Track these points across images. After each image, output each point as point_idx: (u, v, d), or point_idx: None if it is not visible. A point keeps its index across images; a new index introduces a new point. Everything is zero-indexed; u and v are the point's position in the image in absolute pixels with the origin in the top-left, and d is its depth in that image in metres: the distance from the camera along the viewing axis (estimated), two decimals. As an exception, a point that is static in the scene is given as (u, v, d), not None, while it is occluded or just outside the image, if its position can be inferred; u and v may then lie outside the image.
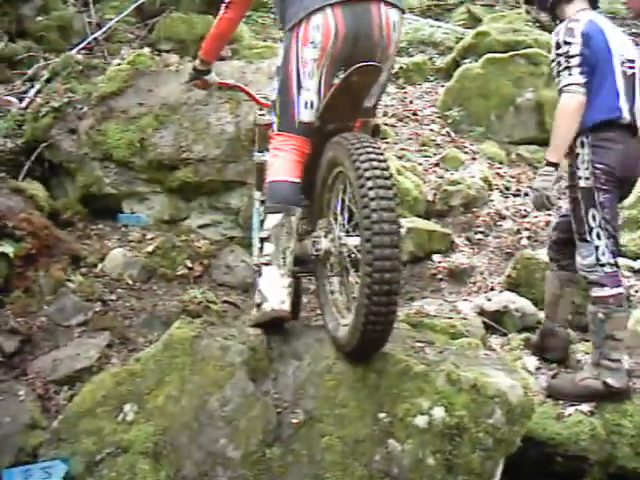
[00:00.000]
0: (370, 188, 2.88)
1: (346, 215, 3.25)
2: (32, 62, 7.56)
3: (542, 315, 4.63)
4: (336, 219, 3.32)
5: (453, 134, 7.61)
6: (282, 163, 3.48)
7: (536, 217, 6.03)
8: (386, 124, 7.60)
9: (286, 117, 3.50)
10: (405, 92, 8.74)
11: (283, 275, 3.34)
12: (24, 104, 6.49)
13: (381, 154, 3.02)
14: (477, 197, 6.11)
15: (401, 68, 9.15)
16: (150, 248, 5.03)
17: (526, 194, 6.45)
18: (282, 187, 3.44)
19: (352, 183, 3.01)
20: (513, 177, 6.81)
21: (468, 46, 8.84)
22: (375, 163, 2.94)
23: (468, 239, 5.68)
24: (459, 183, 6.14)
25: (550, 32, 9.43)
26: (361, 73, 3.19)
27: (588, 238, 3.90)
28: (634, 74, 4.10)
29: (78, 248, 4.93)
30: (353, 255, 3.14)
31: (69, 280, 4.62)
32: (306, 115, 3.44)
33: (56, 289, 4.52)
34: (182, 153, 5.47)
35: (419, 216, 5.73)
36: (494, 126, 7.66)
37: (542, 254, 4.97)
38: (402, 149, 7.05)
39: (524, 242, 5.68)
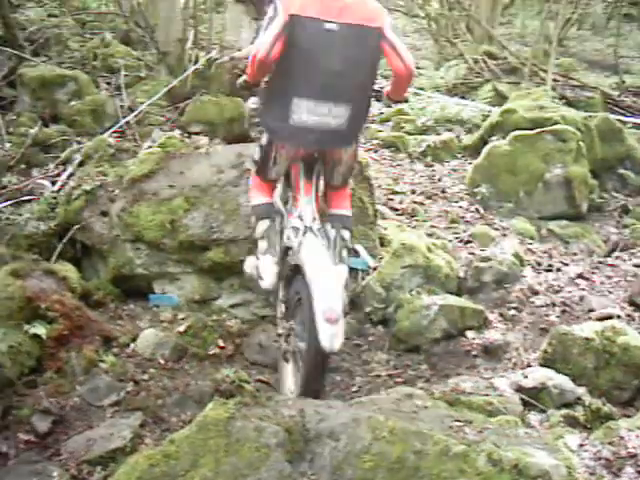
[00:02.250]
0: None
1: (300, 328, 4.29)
2: (65, 146, 7.71)
3: (581, 391, 4.54)
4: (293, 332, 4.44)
5: (482, 210, 7.63)
6: (257, 191, 4.89)
7: (569, 292, 5.97)
8: (415, 202, 7.64)
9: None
10: (433, 170, 8.82)
11: (274, 263, 4.60)
12: (57, 187, 6.59)
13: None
14: (509, 273, 6.04)
15: (429, 146, 9.27)
16: (182, 328, 5.00)
17: (558, 269, 6.40)
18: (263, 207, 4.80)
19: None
20: (545, 252, 6.77)
21: (495, 124, 8.93)
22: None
23: (502, 315, 5.60)
24: (490, 259, 6.09)
25: (577, 108, 9.56)
26: None
27: None
28: None
29: (110, 329, 4.92)
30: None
31: (101, 360, 4.59)
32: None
33: (88, 369, 4.50)
34: (213, 234, 5.50)
35: (451, 293, 5.68)
36: (523, 202, 7.68)
37: (577, 329, 4.89)
38: (432, 226, 7.06)
39: (558, 317, 5.59)
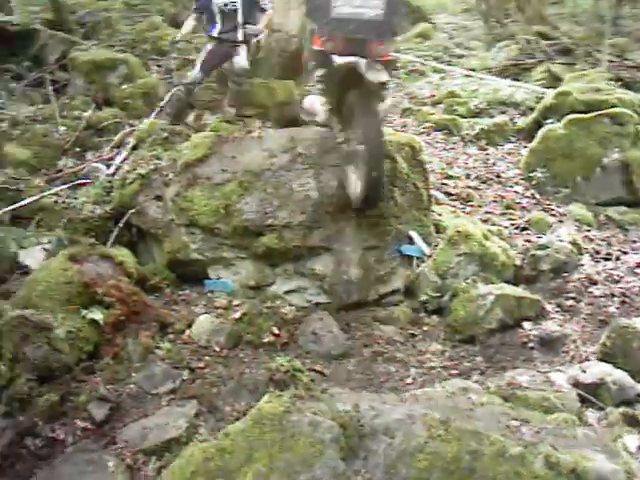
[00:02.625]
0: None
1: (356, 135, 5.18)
2: (118, 129, 7.75)
3: (641, 387, 4.45)
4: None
5: (538, 196, 7.51)
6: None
7: (629, 282, 5.84)
8: (469, 186, 7.54)
9: None
10: (487, 153, 8.69)
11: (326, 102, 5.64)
12: (111, 170, 6.63)
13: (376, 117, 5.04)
14: (567, 261, 5.93)
15: (482, 129, 9.13)
16: (237, 315, 5.00)
17: (617, 258, 6.27)
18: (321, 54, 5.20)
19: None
20: (603, 240, 6.63)
21: (549, 106, 8.77)
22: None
23: (559, 305, 5.50)
24: (547, 247, 5.98)
25: (634, 90, 9.34)
26: None
27: None
28: None
29: (166, 314, 4.93)
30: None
31: (157, 347, 4.62)
32: None
33: (145, 356, 4.53)
34: (267, 219, 5.48)
35: (507, 282, 5.59)
36: (580, 187, 7.53)
37: (639, 322, 4.79)
38: (487, 212, 6.96)
39: (618, 309, 5.47)
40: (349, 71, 5.00)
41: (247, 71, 8.10)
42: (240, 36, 8.02)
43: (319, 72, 5.50)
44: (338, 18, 4.94)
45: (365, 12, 4.92)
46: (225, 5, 7.88)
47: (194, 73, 7.98)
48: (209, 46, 7.94)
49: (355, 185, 5.34)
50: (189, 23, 8.08)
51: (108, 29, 11.64)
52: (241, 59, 8.00)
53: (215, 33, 7.91)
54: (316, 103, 5.91)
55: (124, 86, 8.87)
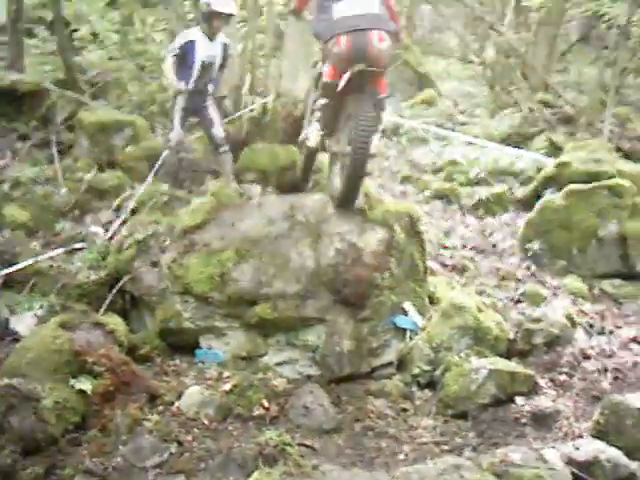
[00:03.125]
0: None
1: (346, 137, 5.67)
2: (119, 192, 7.79)
3: (634, 466, 4.38)
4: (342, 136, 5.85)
5: (534, 268, 7.52)
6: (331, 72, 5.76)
7: (622, 357, 5.82)
8: (465, 257, 7.56)
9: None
10: (485, 224, 8.73)
11: (320, 130, 6.06)
12: (109, 235, 6.67)
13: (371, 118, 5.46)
14: (560, 335, 5.93)
15: (480, 199, 9.18)
16: (227, 387, 4.97)
17: (611, 332, 6.26)
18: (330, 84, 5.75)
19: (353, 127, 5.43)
20: (597, 314, 6.63)
21: (549, 176, 8.82)
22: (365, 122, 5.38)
23: (552, 380, 5.48)
24: (541, 321, 5.98)
25: (635, 161, 9.37)
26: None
27: None
28: None
29: (155, 385, 4.91)
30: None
31: (146, 419, 4.58)
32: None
33: (133, 428, 4.48)
34: (261, 288, 5.50)
35: (500, 355, 5.58)
36: (576, 259, 7.54)
37: (631, 398, 4.75)
38: (482, 283, 6.97)
39: (611, 384, 5.44)
40: (354, 75, 5.51)
41: (225, 139, 8.20)
42: (211, 89, 8.13)
43: (322, 101, 6.00)
44: (341, 18, 5.59)
45: (363, 10, 5.58)
46: (207, 57, 7.99)
47: (175, 134, 8.04)
48: (180, 101, 7.97)
49: (336, 185, 5.90)
50: (170, 67, 8.07)
51: (118, 90, 11.80)
52: (217, 130, 8.11)
53: (191, 85, 7.97)
54: (309, 131, 6.30)
55: (128, 148, 8.95)
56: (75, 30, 14.51)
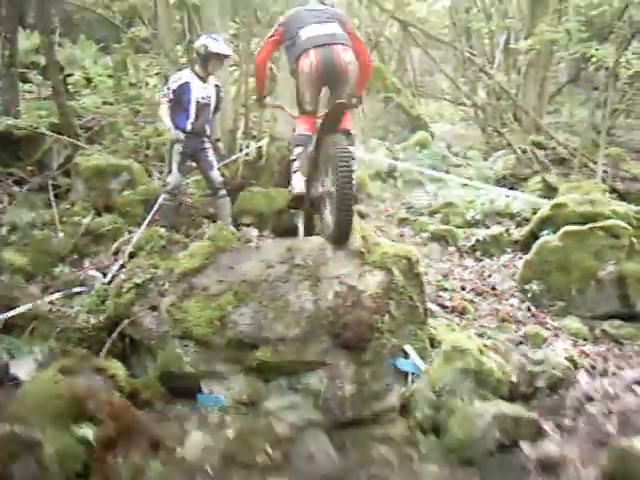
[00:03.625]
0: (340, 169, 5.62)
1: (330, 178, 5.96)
2: (117, 236, 7.79)
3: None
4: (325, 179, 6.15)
5: (534, 309, 7.51)
6: (302, 125, 6.60)
7: (626, 399, 5.76)
8: (465, 299, 7.55)
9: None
10: (483, 265, 8.73)
11: (303, 176, 6.56)
12: (108, 279, 6.65)
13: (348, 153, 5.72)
14: (563, 378, 5.89)
15: (478, 240, 9.20)
16: (229, 432, 4.93)
17: (614, 373, 6.22)
18: (302, 136, 6.57)
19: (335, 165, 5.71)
20: (599, 355, 6.58)
21: (545, 217, 8.84)
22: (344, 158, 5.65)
23: (556, 424, 5.42)
24: (543, 363, 5.95)
25: (629, 201, 9.42)
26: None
27: None
28: None
29: (157, 432, 4.85)
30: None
31: (148, 466, 4.52)
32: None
33: (135, 476, 4.43)
34: (262, 331, 5.47)
35: (503, 398, 5.52)
36: (576, 300, 7.52)
37: (638, 443, 4.70)
38: (482, 325, 6.95)
39: (616, 428, 5.39)
40: (332, 111, 6.03)
41: (223, 183, 8.25)
42: (209, 131, 8.20)
43: (298, 150, 6.63)
44: (307, 38, 6.31)
45: (327, 31, 6.34)
46: (202, 98, 8.06)
47: (172, 177, 8.06)
48: (178, 146, 8.01)
49: (329, 224, 6.08)
50: (166, 113, 8.13)
51: (113, 134, 11.84)
52: (215, 173, 8.18)
53: (188, 126, 8.02)
54: (293, 182, 6.69)
55: (125, 192, 8.97)
56: (69, 75, 14.64)
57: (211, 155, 8.32)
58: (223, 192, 8.29)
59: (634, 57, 14.44)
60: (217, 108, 8.43)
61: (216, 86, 8.33)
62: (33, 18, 14.20)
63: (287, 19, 6.70)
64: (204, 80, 8.14)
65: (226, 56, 8.26)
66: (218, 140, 8.72)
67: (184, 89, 8.03)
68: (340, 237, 5.95)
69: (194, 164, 8.53)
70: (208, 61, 8.07)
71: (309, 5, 6.78)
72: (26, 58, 14.85)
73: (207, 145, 8.29)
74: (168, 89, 8.12)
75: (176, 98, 8.04)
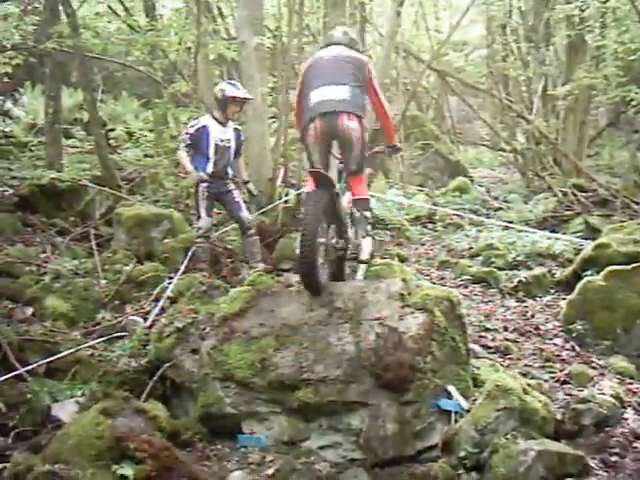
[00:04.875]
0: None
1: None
2: (158, 282, 7.88)
3: None
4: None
5: (578, 348, 7.39)
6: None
7: (676, 437, 5.64)
8: (507, 339, 7.47)
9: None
10: (525, 306, 8.65)
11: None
12: (148, 323, 6.71)
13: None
14: (609, 415, 5.76)
15: (520, 281, 9.13)
16: (270, 471, 4.89)
17: (660, 410, 6.10)
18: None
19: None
20: (646, 393, 6.46)
21: (588, 258, 8.77)
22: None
23: (603, 461, 5.29)
24: (589, 401, 5.84)
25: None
26: None
27: None
28: None
29: (198, 470, 4.82)
30: None
31: (189, 507, 4.51)
32: None
33: (177, 517, 4.41)
34: (303, 373, 5.44)
35: (548, 437, 5.42)
36: (621, 339, 7.39)
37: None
38: (526, 365, 6.86)
39: (665, 466, 5.26)
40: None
41: (252, 221, 8.34)
42: (231, 174, 8.31)
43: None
44: (316, 103, 6.26)
45: (334, 96, 6.23)
46: (222, 141, 8.18)
47: (202, 222, 8.20)
48: (203, 188, 8.14)
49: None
50: (186, 157, 8.29)
51: (153, 185, 12.06)
52: (244, 212, 8.28)
53: (210, 169, 8.14)
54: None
55: (166, 240, 9.09)
56: (111, 130, 15.00)
57: (238, 196, 8.45)
58: (252, 231, 8.40)
59: (672, 99, 14.42)
60: (238, 151, 8.56)
61: (235, 130, 8.50)
62: (76, 77, 14.56)
63: (305, 71, 6.63)
64: (223, 124, 8.31)
65: (243, 100, 8.41)
66: (247, 182, 8.83)
67: (202, 133, 8.23)
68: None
69: (223, 206, 8.65)
70: (226, 105, 8.28)
71: (326, 50, 6.65)
72: (70, 115, 15.26)
73: (232, 187, 8.44)
74: (186, 134, 8.31)
75: (194, 142, 8.24)
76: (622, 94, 15.65)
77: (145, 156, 13.78)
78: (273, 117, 13.70)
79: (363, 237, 6.62)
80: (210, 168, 8.20)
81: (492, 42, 19.93)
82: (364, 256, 6.61)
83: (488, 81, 20.52)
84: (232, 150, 8.42)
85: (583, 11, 14.99)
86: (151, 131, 15.46)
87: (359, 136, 6.29)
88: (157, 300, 7.36)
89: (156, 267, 8.37)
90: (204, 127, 8.28)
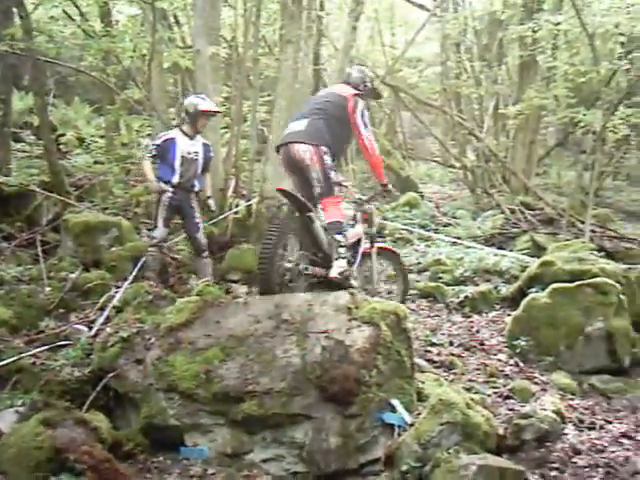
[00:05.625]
0: None
1: None
2: (104, 291, 7.79)
3: None
4: None
5: (522, 364, 7.49)
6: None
7: (613, 452, 5.73)
8: (453, 354, 7.54)
9: None
10: (471, 321, 8.75)
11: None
12: (93, 332, 6.63)
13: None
14: (550, 431, 5.85)
15: (466, 297, 9.23)
16: (211, 484, 4.87)
17: (601, 427, 6.19)
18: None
19: None
20: (586, 409, 6.57)
21: (534, 275, 8.91)
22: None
23: (543, 476, 5.36)
24: (531, 416, 5.92)
25: (616, 260, 9.48)
26: None
27: None
28: None
29: (138, 483, 4.80)
30: None
31: (127, 520, 4.46)
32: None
33: (114, 530, 4.36)
34: (248, 385, 5.43)
35: (490, 451, 5.47)
36: (564, 356, 7.51)
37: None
38: (470, 380, 6.93)
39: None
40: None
41: (206, 245, 8.35)
42: (197, 187, 8.30)
43: None
44: (283, 135, 7.06)
45: (293, 129, 6.93)
46: (189, 154, 8.17)
47: (158, 232, 8.17)
48: (165, 200, 8.12)
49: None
50: (149, 167, 8.30)
51: (103, 192, 11.93)
52: (201, 235, 8.30)
53: (175, 180, 8.12)
54: None
55: (113, 249, 8.99)
56: (61, 135, 14.81)
57: (198, 217, 8.42)
58: (206, 254, 8.38)
59: (620, 122, 14.71)
60: (206, 167, 8.53)
61: (204, 145, 8.47)
62: (28, 80, 14.37)
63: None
64: (191, 138, 8.28)
65: (214, 114, 8.43)
66: (209, 198, 8.80)
67: (169, 144, 8.20)
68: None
69: (182, 221, 8.60)
70: (197, 119, 8.24)
71: (326, 89, 7.86)
72: (19, 118, 15.04)
73: (194, 204, 8.38)
74: (153, 145, 8.28)
75: (161, 153, 8.19)
76: (571, 115, 15.95)
77: (95, 163, 13.61)
78: (226, 127, 13.67)
79: (335, 259, 6.76)
80: (176, 179, 8.16)
81: (446, 60, 20.14)
82: (332, 274, 6.71)
83: (441, 98, 20.76)
84: (199, 164, 8.39)
85: (535, 32, 15.23)
86: (102, 137, 15.30)
87: (313, 159, 6.72)
88: (103, 309, 7.27)
89: (103, 275, 8.27)
90: (172, 139, 8.26)
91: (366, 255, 7.53)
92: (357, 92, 7.10)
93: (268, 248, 6.27)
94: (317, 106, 7.02)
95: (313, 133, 6.80)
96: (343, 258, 6.78)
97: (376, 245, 7.70)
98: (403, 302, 7.52)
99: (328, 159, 6.77)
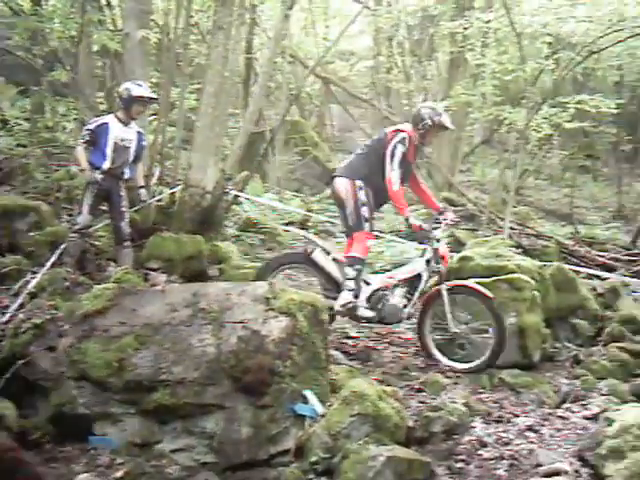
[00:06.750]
0: None
1: None
2: (20, 276, 7.64)
3: None
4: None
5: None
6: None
7: (518, 445, 5.89)
8: (368, 347, 7.64)
9: None
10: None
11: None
12: (5, 319, 6.50)
13: None
14: (459, 424, 5.99)
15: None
16: (119, 474, 4.83)
17: (508, 420, 6.36)
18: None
19: None
20: (495, 402, 6.73)
21: (452, 270, 9.00)
22: None
23: (449, 468, 5.50)
24: (440, 409, 6.05)
25: (533, 257, 9.69)
26: None
27: None
28: None
29: (43, 473, 4.73)
30: None
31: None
32: None
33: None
34: (161, 374, 5.42)
35: (399, 443, 5.57)
36: (476, 350, 7.65)
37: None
38: (384, 373, 7.03)
39: (506, 471, 5.49)
40: None
41: (129, 234, 8.29)
42: (127, 174, 8.23)
43: None
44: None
45: (342, 163, 7.87)
46: (122, 140, 8.09)
47: (82, 218, 8.07)
48: (93, 187, 8.03)
49: None
50: (83, 154, 8.18)
51: (24, 175, 11.68)
52: (125, 225, 8.22)
53: (106, 166, 8.04)
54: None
55: (31, 233, 8.82)
56: (-16, 116, 14.46)
57: (125, 207, 8.33)
58: (128, 243, 8.30)
59: (544, 121, 15.01)
60: (139, 155, 8.46)
61: (138, 133, 8.39)
62: (-51, 59, 14.01)
63: None
64: (125, 124, 8.19)
65: (150, 100, 8.34)
66: (141, 187, 8.72)
67: (102, 129, 8.09)
68: None
69: (107, 208, 8.50)
70: (131, 105, 8.15)
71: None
72: (-62, 98, 14.65)
73: (123, 192, 8.29)
74: (86, 130, 8.16)
75: (93, 139, 8.08)
76: (497, 113, 16.20)
77: (18, 145, 13.32)
78: (154, 114, 13.51)
79: (341, 291, 7.32)
80: (106, 165, 8.05)
81: (378, 54, 20.28)
82: (335, 306, 7.29)
83: (371, 92, 20.88)
84: (132, 151, 8.29)
85: (466, 29, 15.42)
86: (27, 120, 14.97)
87: (348, 193, 7.40)
88: (17, 295, 7.14)
89: (19, 260, 8.08)
90: (105, 124, 8.14)
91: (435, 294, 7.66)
92: (417, 129, 7.52)
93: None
94: (366, 142, 7.81)
95: (351, 167, 7.52)
96: (350, 291, 7.24)
97: (449, 283, 7.68)
98: (491, 365, 7.37)
99: (362, 194, 7.35)
